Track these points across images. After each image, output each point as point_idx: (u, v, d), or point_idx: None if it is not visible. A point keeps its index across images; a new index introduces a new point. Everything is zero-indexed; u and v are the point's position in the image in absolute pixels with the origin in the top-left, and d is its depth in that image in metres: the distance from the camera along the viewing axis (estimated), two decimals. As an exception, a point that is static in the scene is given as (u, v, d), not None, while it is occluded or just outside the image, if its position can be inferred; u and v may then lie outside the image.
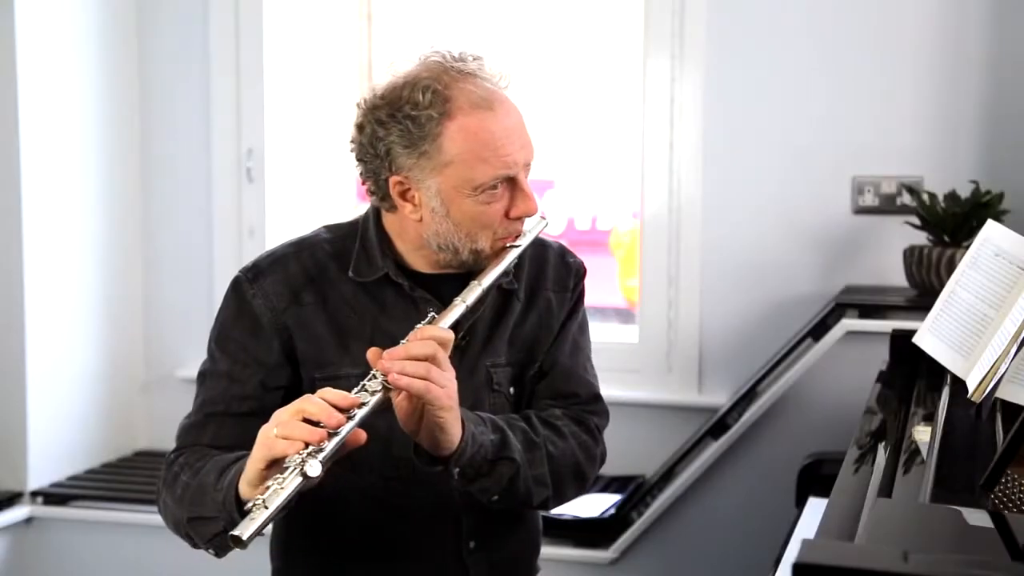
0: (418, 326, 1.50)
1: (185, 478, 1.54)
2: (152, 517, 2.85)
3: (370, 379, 1.45)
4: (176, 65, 3.20)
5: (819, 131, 2.79)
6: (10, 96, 2.87)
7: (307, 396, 1.41)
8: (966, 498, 1.22)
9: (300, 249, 1.67)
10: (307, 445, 1.35)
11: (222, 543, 1.46)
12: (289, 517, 1.74)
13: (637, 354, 2.96)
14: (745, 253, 2.85)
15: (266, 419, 1.48)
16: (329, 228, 1.72)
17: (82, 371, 3.09)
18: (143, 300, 3.28)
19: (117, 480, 3.05)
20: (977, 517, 1.10)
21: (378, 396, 1.43)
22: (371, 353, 1.46)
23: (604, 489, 2.84)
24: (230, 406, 1.61)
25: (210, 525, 1.47)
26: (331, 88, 3.38)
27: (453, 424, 1.48)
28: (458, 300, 1.54)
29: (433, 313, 1.53)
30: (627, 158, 3.06)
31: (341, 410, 1.39)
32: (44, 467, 2.99)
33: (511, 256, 1.60)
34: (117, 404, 3.21)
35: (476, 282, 1.57)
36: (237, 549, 1.33)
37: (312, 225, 1.76)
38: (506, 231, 1.59)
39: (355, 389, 1.44)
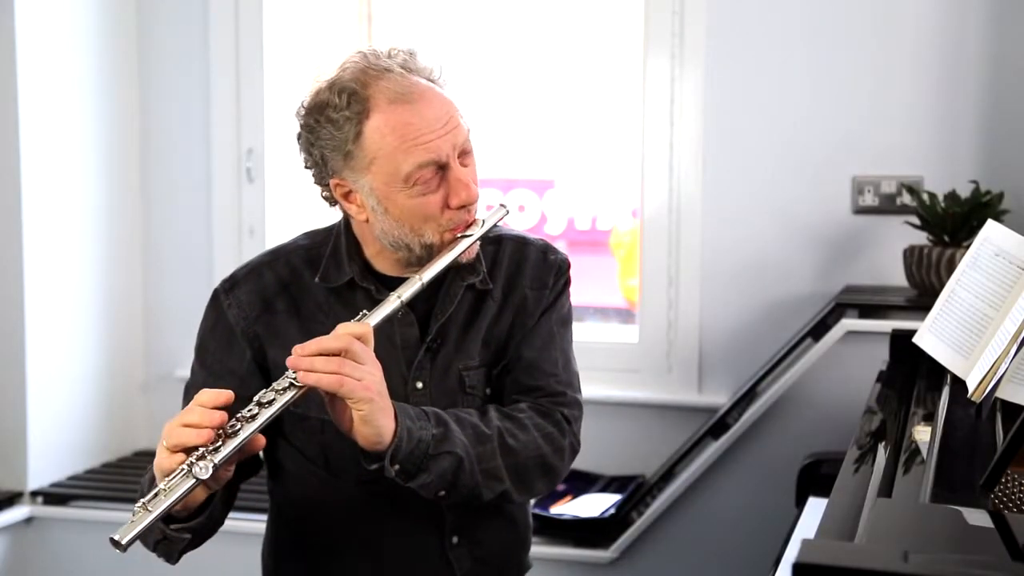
0: (342, 324, 1.49)
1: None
2: (152, 517, 2.87)
3: (282, 378, 1.44)
4: (176, 65, 3.20)
5: (819, 131, 2.79)
6: (10, 96, 2.87)
7: (188, 410, 1.41)
8: (966, 498, 1.22)
9: (276, 257, 1.70)
10: (194, 449, 1.36)
11: (165, 549, 1.48)
12: (277, 519, 1.77)
13: (637, 354, 2.96)
14: (745, 253, 2.85)
15: None
16: (307, 234, 1.74)
17: (82, 371, 3.09)
18: (143, 300, 3.28)
19: (117, 480, 3.05)
20: (977, 517, 1.10)
21: (288, 395, 1.42)
22: (294, 350, 1.46)
23: (604, 489, 2.84)
24: None
25: (149, 533, 1.46)
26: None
27: (377, 417, 1.45)
28: (393, 296, 1.54)
29: (364, 312, 1.52)
30: (627, 158, 3.06)
31: (225, 410, 1.40)
32: (44, 467, 2.99)
33: (461, 246, 1.59)
34: (117, 404, 3.21)
35: (417, 276, 1.56)
36: (118, 550, 1.33)
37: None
38: (452, 222, 1.58)
39: (264, 390, 1.44)
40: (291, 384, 1.43)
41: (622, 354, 2.97)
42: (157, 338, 3.28)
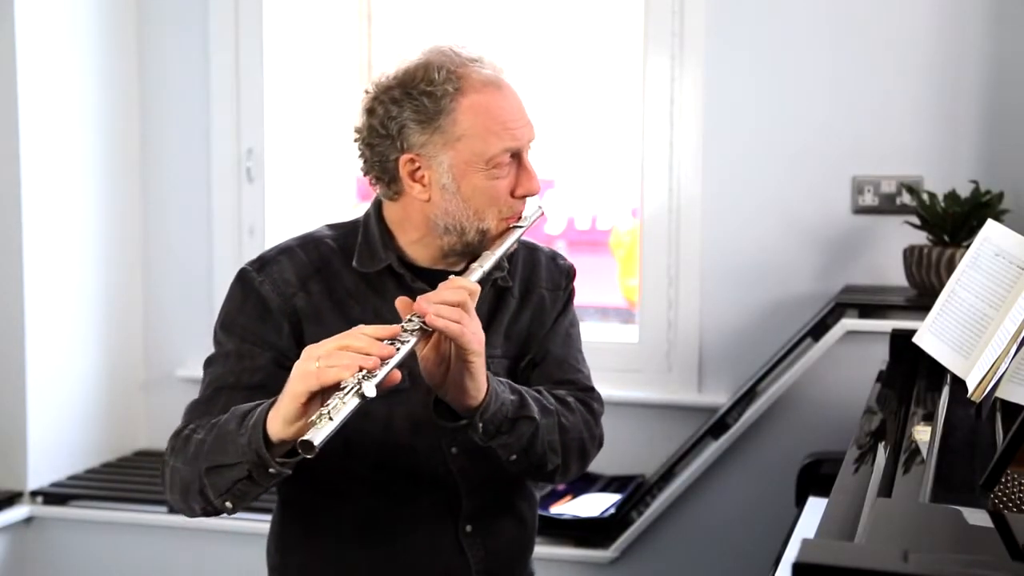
0: (455, 278, 1.55)
1: (200, 436, 1.54)
2: (152, 517, 2.87)
3: (407, 321, 1.48)
4: (176, 65, 3.20)
5: (819, 131, 2.79)
6: (10, 96, 2.87)
7: (347, 332, 1.43)
8: (966, 498, 1.22)
9: (305, 243, 1.72)
10: (357, 371, 1.39)
11: (241, 492, 1.49)
12: (284, 510, 1.76)
13: (637, 354, 2.96)
14: (745, 253, 2.84)
15: (277, 394, 1.53)
16: (331, 226, 1.76)
17: (82, 371, 3.09)
18: (143, 300, 3.28)
19: (117, 480, 3.05)
20: (977, 517, 1.10)
21: (416, 336, 1.47)
22: (400, 301, 1.51)
23: (604, 489, 2.84)
24: (240, 379, 1.62)
25: (231, 472, 1.48)
26: (331, 88, 3.38)
27: (481, 372, 1.52)
28: (476, 264, 1.60)
29: (453, 275, 1.58)
30: (627, 158, 3.07)
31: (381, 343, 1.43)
32: (44, 467, 2.99)
33: (515, 236, 1.66)
34: (117, 404, 3.21)
35: (489, 252, 1.63)
36: (307, 456, 1.35)
37: (312, 225, 1.79)
38: (510, 210, 1.65)
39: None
40: (420, 327, 1.47)
41: (622, 354, 2.97)
42: (157, 338, 3.28)
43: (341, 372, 1.38)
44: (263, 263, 1.68)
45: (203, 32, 3.16)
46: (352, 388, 1.37)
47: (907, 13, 2.72)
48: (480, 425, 1.56)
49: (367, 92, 1.65)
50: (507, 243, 1.65)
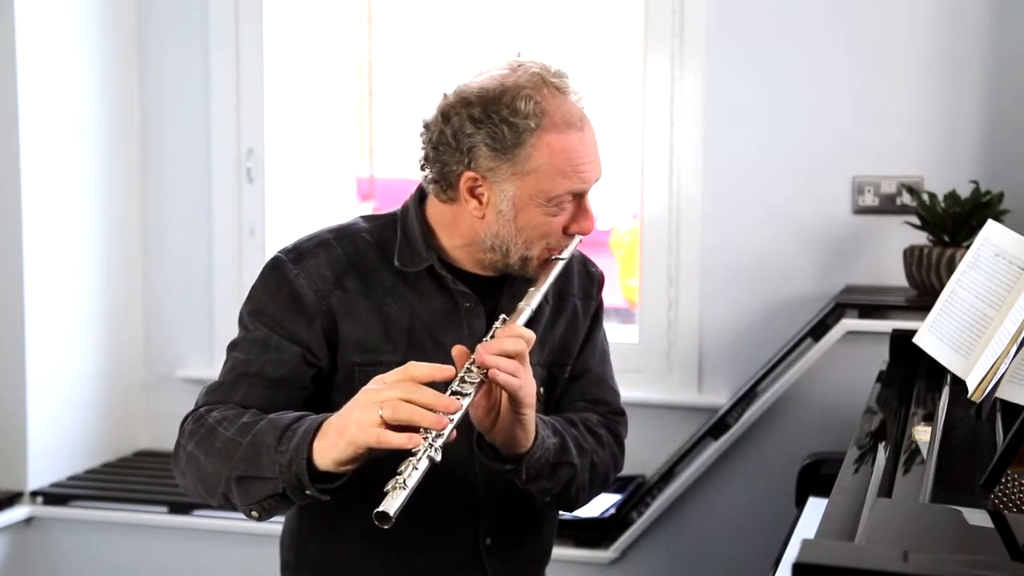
0: (496, 325, 1.53)
1: (229, 433, 1.51)
2: (152, 517, 2.87)
3: (466, 371, 1.46)
4: (176, 65, 3.20)
5: (819, 131, 2.79)
6: (10, 96, 2.87)
7: (407, 379, 1.40)
8: (966, 498, 1.22)
9: (341, 236, 1.68)
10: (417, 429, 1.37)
11: (271, 506, 1.48)
12: (303, 508, 1.72)
13: (637, 354, 2.96)
14: (745, 253, 2.85)
15: (299, 390, 1.55)
16: (366, 218, 1.73)
17: (82, 371, 3.09)
18: (143, 300, 3.28)
19: (117, 480, 3.05)
20: (977, 517, 1.10)
21: (476, 389, 1.45)
22: (457, 351, 1.48)
23: (604, 489, 2.84)
24: (264, 369, 1.60)
25: (264, 486, 1.47)
26: (331, 88, 3.38)
27: (531, 423, 1.52)
28: (523, 304, 1.57)
29: (504, 316, 1.55)
30: (627, 158, 3.07)
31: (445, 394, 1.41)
32: (44, 467, 2.99)
33: (558, 268, 1.63)
34: (117, 404, 3.21)
35: (534, 289, 1.60)
36: (383, 527, 1.34)
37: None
38: (557, 244, 1.63)
39: (455, 383, 1.45)
40: (481, 380, 1.45)
41: (622, 354, 2.95)
42: (157, 338, 3.28)
43: (409, 440, 1.36)
44: (299, 254, 1.64)
45: (203, 32, 3.16)
46: (424, 452, 1.36)
47: (907, 14, 2.72)
48: (523, 470, 1.56)
49: (446, 95, 1.61)
50: (550, 279, 1.62)
